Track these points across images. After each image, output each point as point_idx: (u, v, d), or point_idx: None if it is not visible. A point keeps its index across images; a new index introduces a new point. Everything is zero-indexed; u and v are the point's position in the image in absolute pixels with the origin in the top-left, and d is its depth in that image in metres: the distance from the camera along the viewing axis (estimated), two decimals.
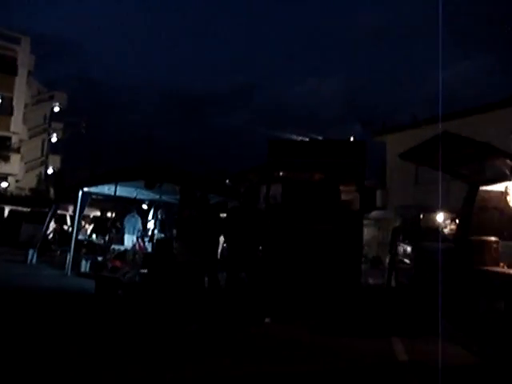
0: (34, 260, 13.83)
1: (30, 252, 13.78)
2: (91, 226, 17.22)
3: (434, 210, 12.01)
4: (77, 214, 11.76)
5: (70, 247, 11.72)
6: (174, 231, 14.15)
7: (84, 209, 12.05)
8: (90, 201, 13.96)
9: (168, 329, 6.45)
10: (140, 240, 10.73)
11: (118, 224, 14.84)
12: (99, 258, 11.32)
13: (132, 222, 14.94)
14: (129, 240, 11.91)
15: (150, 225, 13.85)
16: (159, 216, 13.77)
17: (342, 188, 7.88)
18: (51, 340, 5.54)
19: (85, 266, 12.13)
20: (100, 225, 15.91)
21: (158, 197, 13.19)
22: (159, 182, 9.80)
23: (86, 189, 11.85)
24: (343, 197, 7.83)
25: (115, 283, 8.79)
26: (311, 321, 7.09)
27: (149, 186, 9.92)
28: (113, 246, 11.55)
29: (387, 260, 15.55)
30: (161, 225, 13.72)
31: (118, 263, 10.39)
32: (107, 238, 12.96)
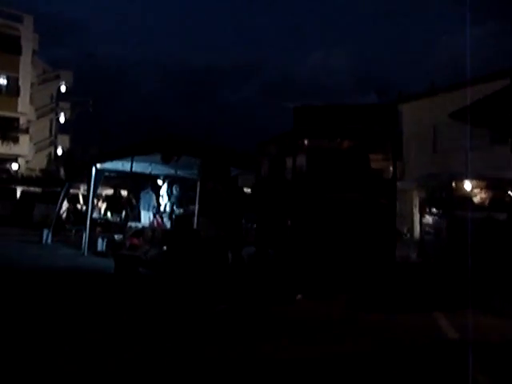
0: (49, 240, 13.57)
1: (45, 232, 13.51)
2: (104, 204, 16.91)
3: (462, 178, 11.45)
4: (91, 192, 11.40)
5: (86, 226, 11.39)
6: (192, 207, 13.85)
7: (98, 186, 11.69)
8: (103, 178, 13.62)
9: (196, 309, 6.12)
10: (158, 216, 10.36)
11: (133, 201, 14.49)
12: (116, 237, 11.00)
13: (147, 198, 14.60)
14: (145, 217, 11.57)
15: (163, 200, 13.47)
16: (174, 191, 13.38)
17: (372, 156, 7.40)
18: (74, 321, 5.23)
19: (101, 244, 11.81)
20: (114, 203, 15.56)
21: (173, 172, 12.76)
22: (177, 155, 9.37)
23: (99, 165, 11.45)
24: (374, 165, 7.34)
25: (135, 261, 8.46)
26: (346, 296, 6.72)
27: (166, 160, 9.50)
28: (129, 224, 11.21)
29: (405, 231, 15.11)
30: (176, 200, 13.34)
31: (136, 241, 10.07)
32: (123, 215, 12.61)
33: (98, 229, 13.47)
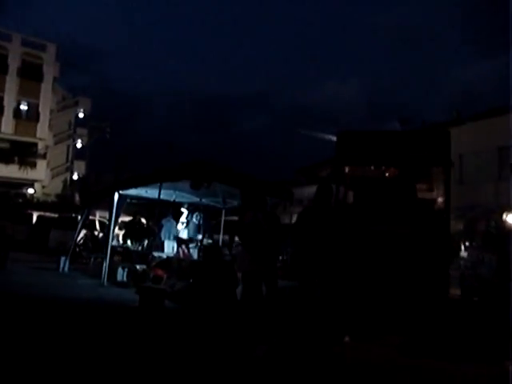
0: (66, 268, 13.09)
1: (62, 259, 13.05)
2: (122, 232, 16.46)
3: (502, 210, 10.84)
4: (112, 218, 10.95)
5: (106, 254, 10.88)
6: (215, 236, 13.32)
7: (120, 213, 11.25)
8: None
9: (231, 349, 5.50)
10: (184, 247, 9.82)
11: (155, 229, 13.99)
12: (138, 267, 10.45)
13: (168, 226, 14.09)
14: (169, 246, 11.03)
15: (185, 229, 12.97)
16: (195, 220, 12.88)
17: (422, 185, 6.83)
18: (97, 360, 4.66)
19: (121, 274, 11.29)
20: (134, 230, 15.08)
21: (197, 199, 12.32)
22: (207, 181, 8.91)
23: (122, 191, 11.03)
24: (425, 195, 6.77)
25: (161, 294, 7.89)
26: (396, 338, 6.04)
27: (195, 187, 9.04)
28: (153, 254, 10.67)
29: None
30: (199, 229, 12.83)
31: (160, 272, 9.52)
32: (145, 244, 12.09)
33: (117, 257, 12.97)
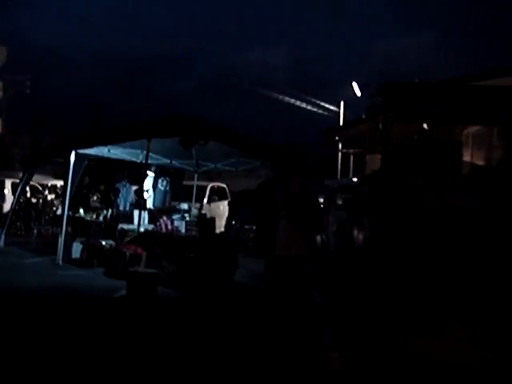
0: (2, 242, 10.74)
1: None
2: (52, 196, 14.11)
3: None
4: (68, 183, 8.83)
5: (61, 227, 8.83)
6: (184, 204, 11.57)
7: (77, 176, 9.14)
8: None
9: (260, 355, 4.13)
10: (166, 218, 8.06)
11: (111, 195, 11.92)
12: (104, 243, 8.55)
13: (124, 192, 12.16)
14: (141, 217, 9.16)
15: (149, 195, 11.11)
16: (161, 186, 11.06)
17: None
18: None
19: (76, 250, 9.28)
20: (84, 196, 12.85)
21: (168, 161, 10.46)
22: (204, 139, 7.20)
23: (80, 150, 8.93)
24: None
25: (154, 280, 6.23)
26: (460, 327, 5.02)
27: (186, 145, 7.28)
28: (121, 226, 8.79)
29: None
30: (165, 197, 11.05)
31: (138, 250, 7.74)
32: (109, 213, 10.07)
33: (68, 229, 10.89)
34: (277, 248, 4.91)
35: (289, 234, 4.86)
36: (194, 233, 7.58)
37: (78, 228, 10.05)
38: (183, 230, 7.77)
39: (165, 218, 8.14)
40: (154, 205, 10.78)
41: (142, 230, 8.19)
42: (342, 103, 25.18)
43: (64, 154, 9.04)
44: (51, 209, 13.64)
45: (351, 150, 18.24)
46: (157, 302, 6.09)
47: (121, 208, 11.55)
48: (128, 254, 7.63)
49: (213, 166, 10.57)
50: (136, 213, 9.15)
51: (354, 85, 23.76)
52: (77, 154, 8.90)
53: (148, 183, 11.05)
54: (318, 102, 29.10)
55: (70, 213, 11.57)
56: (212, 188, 15.53)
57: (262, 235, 5.18)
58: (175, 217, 8.15)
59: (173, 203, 10.02)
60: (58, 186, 17.25)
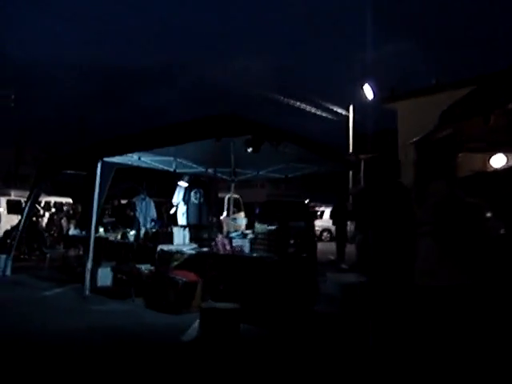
0: (9, 271, 9.17)
1: (2, 259, 9.10)
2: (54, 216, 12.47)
3: None
4: (95, 197, 7.32)
5: (88, 250, 7.33)
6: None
7: (106, 188, 7.66)
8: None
9: None
10: (221, 236, 6.66)
11: (129, 211, 10.47)
12: (143, 267, 7.08)
13: (143, 207, 10.76)
14: (179, 236, 7.74)
15: (180, 210, 9.68)
16: (194, 198, 9.64)
17: None
18: None
19: (103, 277, 7.82)
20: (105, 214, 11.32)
21: (203, 170, 9.07)
22: (276, 140, 5.86)
23: (107, 159, 7.49)
24: None
25: (236, 317, 4.82)
26: None
27: (256, 146, 5.91)
28: (160, 247, 7.34)
29: None
30: (202, 209, 9.63)
31: (192, 276, 6.32)
32: (141, 231, 8.63)
33: (73, 251, 9.43)
34: (416, 275, 3.68)
35: (436, 256, 3.64)
36: (262, 253, 6.18)
37: (100, 250, 8.55)
38: (247, 250, 6.37)
39: (220, 236, 6.73)
40: (188, 221, 9.35)
41: (191, 251, 6.77)
42: (351, 107, 24.14)
43: (86, 164, 7.58)
44: (58, 228, 12.08)
45: None
46: (240, 345, 4.69)
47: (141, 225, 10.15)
48: (181, 281, 6.17)
49: (254, 173, 9.21)
50: (176, 231, 7.75)
51: (366, 87, 22.69)
52: (103, 163, 7.45)
53: (178, 196, 9.63)
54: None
55: (84, 232, 10.14)
56: (229, 199, 14.13)
57: (381, 258, 3.99)
58: (234, 235, 6.73)
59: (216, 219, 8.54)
60: (64, 202, 15.70)
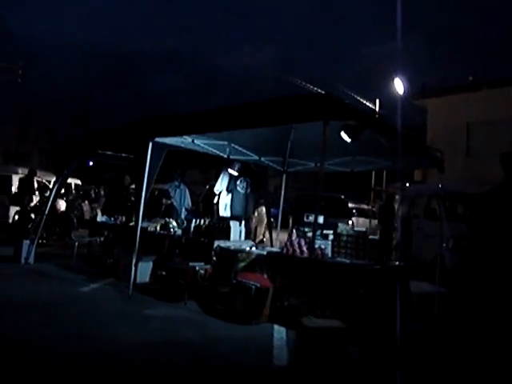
0: (32, 258, 8.20)
1: (25, 245, 8.14)
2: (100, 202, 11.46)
3: None
4: (144, 181, 6.34)
5: (134, 242, 6.36)
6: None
7: (156, 171, 6.68)
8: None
9: None
10: (296, 236, 5.72)
11: (165, 199, 9.52)
12: (197, 266, 6.15)
13: (178, 195, 9.84)
14: (235, 231, 6.80)
15: (222, 201, 8.73)
16: (240, 188, 8.69)
17: None
18: None
19: (143, 273, 6.90)
20: (120, 199, 10.32)
21: (257, 158, 8.10)
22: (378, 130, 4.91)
23: (159, 139, 6.52)
24: None
25: (343, 337, 3.91)
26: None
27: (353, 133, 4.94)
28: (217, 243, 6.41)
29: None
30: (249, 201, 8.70)
31: (264, 281, 5.40)
32: (172, 223, 7.70)
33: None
34: None
35: None
36: (347, 257, 5.27)
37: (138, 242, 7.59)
38: (330, 254, 5.44)
39: (295, 235, 5.79)
40: (232, 213, 8.40)
41: (260, 251, 5.84)
42: (377, 101, 23.19)
43: (131, 144, 6.62)
44: (79, 213, 11.11)
45: None
46: (351, 373, 3.80)
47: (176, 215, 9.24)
48: (254, 287, 5.24)
49: (311, 164, 8.25)
50: (233, 225, 6.81)
51: (397, 81, 21.69)
52: (154, 144, 6.47)
53: (221, 183, 8.68)
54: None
55: (112, 219, 9.22)
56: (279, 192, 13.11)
57: None
58: (311, 234, 5.78)
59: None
60: (74, 184, 14.61)
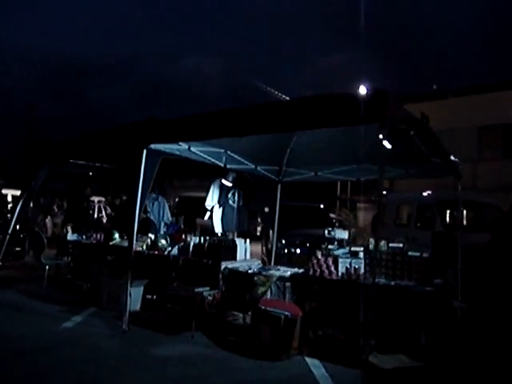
0: None
1: None
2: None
3: None
4: (139, 191, 5.41)
5: (128, 267, 5.42)
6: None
7: (151, 179, 5.81)
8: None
9: None
10: (322, 254, 5.03)
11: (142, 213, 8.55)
12: (203, 291, 5.31)
13: (155, 209, 8.97)
14: (241, 250, 6.03)
15: (216, 217, 7.91)
16: (232, 202, 7.92)
17: None
18: None
19: (135, 300, 5.93)
20: (80, 212, 9.21)
21: (253, 167, 7.37)
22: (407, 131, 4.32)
23: (154, 146, 5.65)
24: None
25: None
26: None
27: (394, 137, 4.34)
28: (225, 265, 5.61)
29: None
30: (242, 215, 7.92)
31: (293, 309, 4.68)
32: (161, 241, 6.80)
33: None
34: None
35: None
36: (381, 277, 4.66)
37: (121, 263, 6.62)
38: (365, 274, 4.79)
39: (320, 253, 5.09)
40: (224, 229, 7.59)
41: (281, 273, 5.09)
42: None
43: (133, 151, 5.71)
44: (34, 229, 9.86)
45: None
46: None
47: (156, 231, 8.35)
48: (283, 316, 4.50)
49: (311, 174, 7.64)
50: (239, 243, 6.04)
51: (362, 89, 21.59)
52: (148, 151, 5.60)
53: (212, 197, 7.86)
54: None
55: (83, 237, 8.19)
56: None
57: None
58: (340, 252, 5.11)
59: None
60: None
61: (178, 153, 6.17)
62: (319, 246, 10.06)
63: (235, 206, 7.83)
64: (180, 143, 5.96)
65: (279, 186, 8.01)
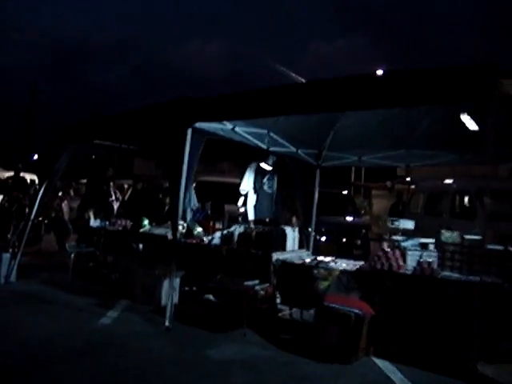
0: (14, 276, 6.51)
1: (4, 260, 6.45)
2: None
3: None
4: (183, 173, 4.91)
5: (172, 258, 4.96)
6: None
7: (195, 162, 5.35)
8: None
9: None
10: (387, 246, 4.54)
11: (167, 199, 8.11)
12: (255, 286, 4.84)
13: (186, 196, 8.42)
14: (290, 239, 5.55)
15: (250, 202, 7.40)
16: (267, 187, 7.40)
17: None
18: None
19: (174, 295, 5.42)
20: (100, 196, 8.73)
21: (294, 150, 6.85)
22: None
23: (199, 124, 5.13)
24: None
25: None
26: None
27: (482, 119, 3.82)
28: (276, 256, 5.12)
29: None
30: (272, 201, 7.41)
31: (365, 307, 4.21)
32: (197, 229, 6.33)
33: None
34: None
35: None
36: (455, 271, 4.20)
37: (153, 252, 6.14)
38: (439, 270, 4.31)
39: (386, 246, 4.61)
40: (256, 216, 7.09)
41: (345, 266, 4.62)
42: None
43: (175, 131, 5.18)
44: (58, 215, 9.36)
45: None
46: None
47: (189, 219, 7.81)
48: (353, 314, 4.04)
49: (354, 158, 7.14)
50: (289, 232, 5.55)
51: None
52: (194, 131, 5.08)
53: (248, 181, 7.34)
54: None
55: (107, 223, 7.72)
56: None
57: None
58: (408, 244, 4.62)
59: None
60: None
61: (221, 133, 5.65)
62: (346, 234, 9.42)
63: (270, 191, 7.32)
64: (224, 122, 5.45)
65: (318, 171, 7.51)
